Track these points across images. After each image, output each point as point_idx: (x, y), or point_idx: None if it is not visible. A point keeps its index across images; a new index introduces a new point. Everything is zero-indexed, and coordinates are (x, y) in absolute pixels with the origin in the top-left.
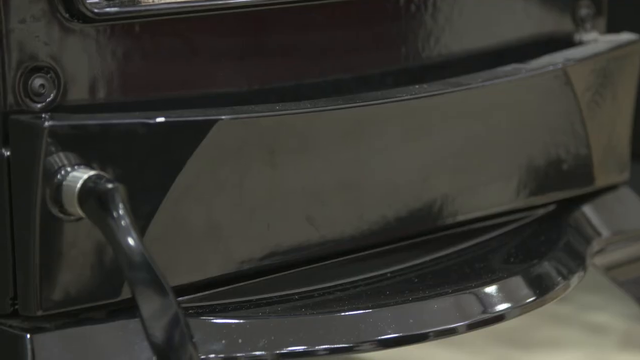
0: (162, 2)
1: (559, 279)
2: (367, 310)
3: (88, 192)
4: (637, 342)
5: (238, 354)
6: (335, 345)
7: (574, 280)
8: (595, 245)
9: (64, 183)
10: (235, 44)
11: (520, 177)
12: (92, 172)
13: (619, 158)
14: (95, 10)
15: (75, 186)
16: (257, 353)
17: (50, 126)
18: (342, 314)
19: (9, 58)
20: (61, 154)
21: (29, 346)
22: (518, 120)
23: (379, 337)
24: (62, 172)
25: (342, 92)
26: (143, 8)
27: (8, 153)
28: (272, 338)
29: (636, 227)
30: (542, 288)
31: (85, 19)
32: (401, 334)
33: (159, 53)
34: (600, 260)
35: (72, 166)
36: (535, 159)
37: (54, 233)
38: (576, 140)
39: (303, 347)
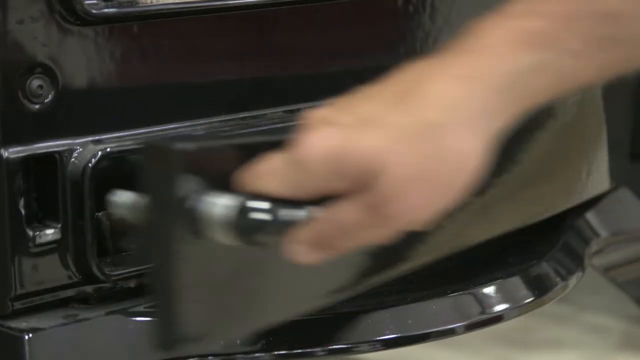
0: (160, 3)
1: (558, 279)
2: (366, 311)
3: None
4: (636, 342)
5: (237, 355)
6: (334, 346)
7: (573, 280)
8: (594, 246)
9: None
10: (234, 44)
11: None
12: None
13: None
14: (93, 12)
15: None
16: (257, 354)
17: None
18: (341, 314)
19: (7, 59)
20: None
21: (27, 347)
22: None
23: (378, 338)
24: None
25: (343, 92)
26: (141, 9)
27: (7, 154)
28: (271, 339)
29: (635, 228)
30: (540, 288)
31: (83, 20)
32: (400, 335)
33: (157, 54)
34: (599, 261)
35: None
36: None
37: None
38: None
39: (302, 348)
